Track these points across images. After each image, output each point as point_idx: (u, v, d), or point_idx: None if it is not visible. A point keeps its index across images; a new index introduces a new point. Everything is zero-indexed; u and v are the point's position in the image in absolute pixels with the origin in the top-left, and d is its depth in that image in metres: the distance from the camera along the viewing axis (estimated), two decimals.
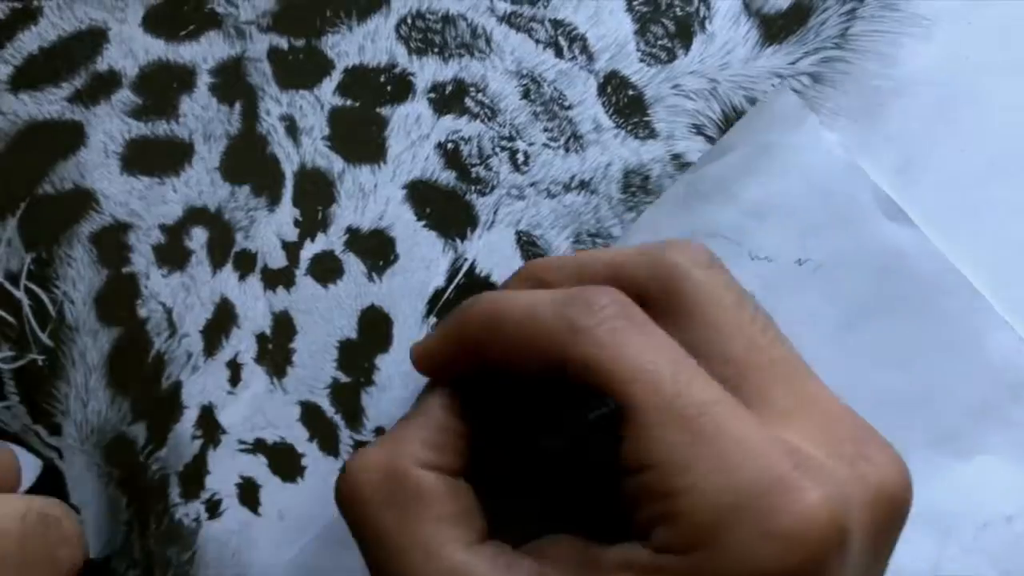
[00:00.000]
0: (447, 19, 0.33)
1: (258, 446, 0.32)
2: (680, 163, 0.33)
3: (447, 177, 0.33)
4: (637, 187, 0.33)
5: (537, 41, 0.33)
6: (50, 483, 0.32)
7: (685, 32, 0.33)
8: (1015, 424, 0.31)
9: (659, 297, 0.24)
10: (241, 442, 0.32)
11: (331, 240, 0.32)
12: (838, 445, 0.22)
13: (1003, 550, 0.31)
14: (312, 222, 0.32)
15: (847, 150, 0.32)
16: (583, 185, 0.33)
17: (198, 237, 0.32)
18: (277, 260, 0.32)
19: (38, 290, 0.32)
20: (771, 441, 0.22)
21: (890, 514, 0.23)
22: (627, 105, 0.33)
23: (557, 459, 0.25)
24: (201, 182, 0.33)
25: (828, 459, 0.22)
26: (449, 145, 0.33)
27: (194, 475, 0.32)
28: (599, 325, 0.23)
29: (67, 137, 0.33)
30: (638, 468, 0.22)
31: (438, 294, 0.32)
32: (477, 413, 0.26)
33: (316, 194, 0.33)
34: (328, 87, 0.33)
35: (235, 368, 0.32)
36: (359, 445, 0.32)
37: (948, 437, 0.30)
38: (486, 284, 0.32)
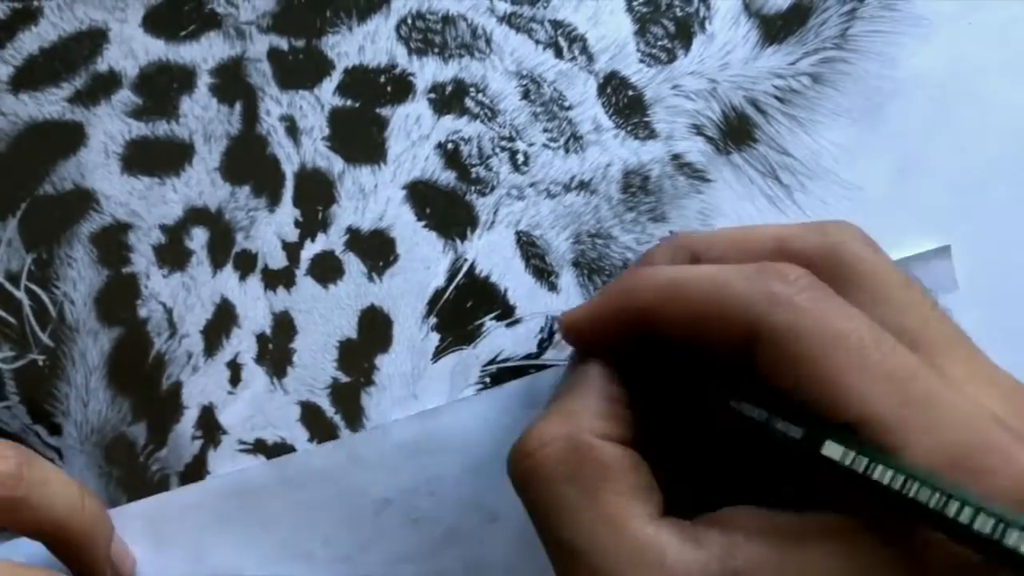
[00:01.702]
0: (447, 19, 0.33)
1: (258, 446, 0.32)
2: (680, 163, 0.33)
3: (447, 177, 0.33)
4: (637, 187, 0.33)
5: (537, 42, 0.33)
6: None
7: (685, 32, 0.33)
8: None
9: (829, 272, 0.24)
10: (241, 442, 0.32)
11: (331, 240, 0.32)
12: (1018, 410, 0.22)
13: None
14: (312, 222, 0.32)
15: None
16: (583, 185, 0.33)
17: (198, 237, 0.32)
18: (277, 260, 0.32)
19: (38, 290, 0.32)
20: (976, 405, 0.22)
21: None
22: (627, 105, 0.33)
23: (737, 431, 0.24)
24: (201, 182, 0.33)
25: (1017, 423, 0.22)
26: (449, 145, 0.33)
27: (194, 475, 0.32)
28: (798, 294, 0.23)
29: (67, 137, 0.33)
30: (844, 428, 0.22)
31: (438, 294, 0.32)
32: (631, 385, 0.25)
33: (316, 194, 0.33)
34: (328, 87, 0.33)
35: (235, 368, 0.32)
36: None
37: None
38: (486, 284, 0.32)
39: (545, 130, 0.33)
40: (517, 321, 0.32)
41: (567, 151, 0.33)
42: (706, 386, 0.25)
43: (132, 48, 0.33)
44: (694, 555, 0.22)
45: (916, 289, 0.25)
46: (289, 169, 0.33)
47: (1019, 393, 0.24)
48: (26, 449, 0.28)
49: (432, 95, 0.33)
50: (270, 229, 0.32)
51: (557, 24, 0.33)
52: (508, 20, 0.33)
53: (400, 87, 0.33)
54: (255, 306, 0.32)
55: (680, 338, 0.24)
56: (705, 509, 0.24)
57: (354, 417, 0.32)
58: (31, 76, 0.33)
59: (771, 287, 0.23)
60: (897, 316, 0.24)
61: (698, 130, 0.33)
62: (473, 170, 0.33)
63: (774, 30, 0.33)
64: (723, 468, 0.25)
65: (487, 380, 0.32)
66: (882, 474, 0.21)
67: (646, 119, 0.33)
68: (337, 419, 0.32)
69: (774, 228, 0.26)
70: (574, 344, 0.27)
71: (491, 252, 0.33)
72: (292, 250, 0.32)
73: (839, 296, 0.23)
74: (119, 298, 0.32)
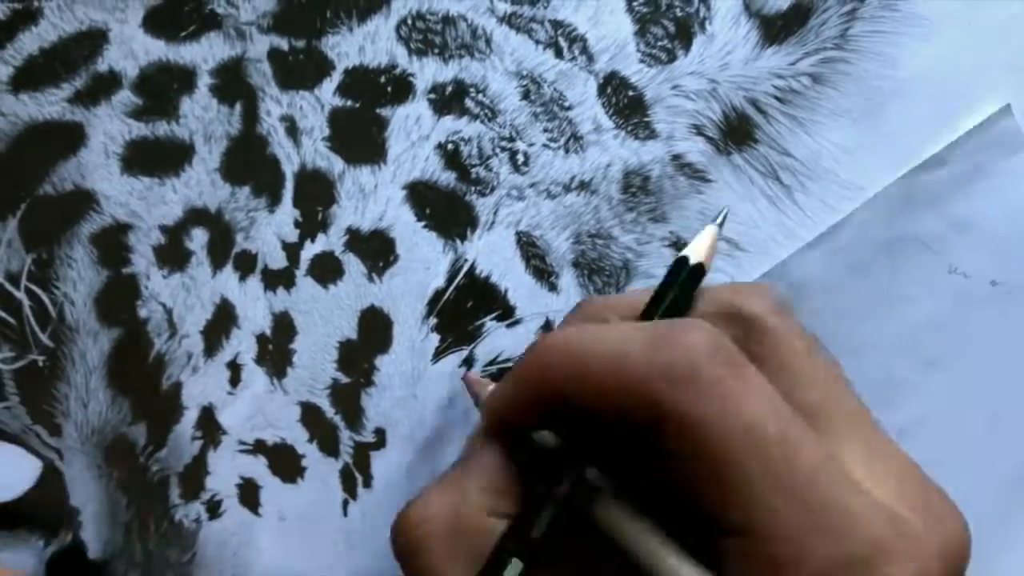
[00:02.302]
0: (447, 20, 0.33)
1: (258, 447, 0.32)
2: (680, 163, 0.33)
3: (447, 178, 0.33)
4: (637, 188, 0.33)
5: (537, 42, 0.33)
6: (50, 484, 0.32)
7: (685, 33, 0.33)
8: None
9: (739, 341, 0.23)
10: (241, 443, 0.32)
11: (331, 241, 0.32)
12: (911, 500, 0.22)
13: None
14: (312, 223, 0.32)
15: None
16: (583, 186, 0.33)
17: (198, 238, 0.32)
18: (277, 261, 0.32)
19: (38, 291, 0.32)
20: (874, 507, 0.21)
21: (956, 570, 0.22)
22: (627, 106, 0.33)
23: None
24: (201, 183, 0.33)
25: (916, 521, 0.22)
26: (449, 146, 0.33)
27: (194, 476, 0.32)
28: (699, 375, 0.21)
29: (67, 138, 0.33)
30: (738, 532, 0.21)
31: (438, 295, 0.32)
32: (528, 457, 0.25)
33: (316, 195, 0.33)
34: (328, 88, 0.33)
35: (235, 369, 0.32)
36: (359, 445, 0.32)
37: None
38: (486, 285, 0.32)
39: (545, 130, 0.33)
40: (517, 322, 0.32)
41: (567, 151, 0.33)
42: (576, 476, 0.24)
43: (132, 48, 0.33)
44: None
45: (820, 359, 0.24)
46: (289, 169, 0.33)
47: (912, 475, 0.23)
48: None
49: (432, 95, 0.33)
50: (270, 229, 0.32)
51: (557, 24, 0.33)
52: (508, 20, 0.33)
53: (400, 87, 0.33)
54: (255, 307, 0.32)
55: (589, 418, 0.23)
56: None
57: (354, 417, 0.32)
58: (31, 76, 0.33)
59: (670, 363, 0.21)
60: (801, 390, 0.23)
61: (698, 130, 0.33)
62: (473, 170, 0.33)
63: (774, 30, 0.33)
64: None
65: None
66: None
67: (646, 119, 0.33)
68: (337, 419, 0.32)
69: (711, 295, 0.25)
70: (492, 427, 0.25)
71: (491, 252, 0.33)
72: (292, 250, 0.32)
73: (747, 365, 0.22)
74: (119, 299, 0.32)
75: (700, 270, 0.26)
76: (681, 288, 0.25)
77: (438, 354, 0.32)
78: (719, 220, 0.27)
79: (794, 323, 0.24)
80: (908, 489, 0.23)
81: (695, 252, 0.26)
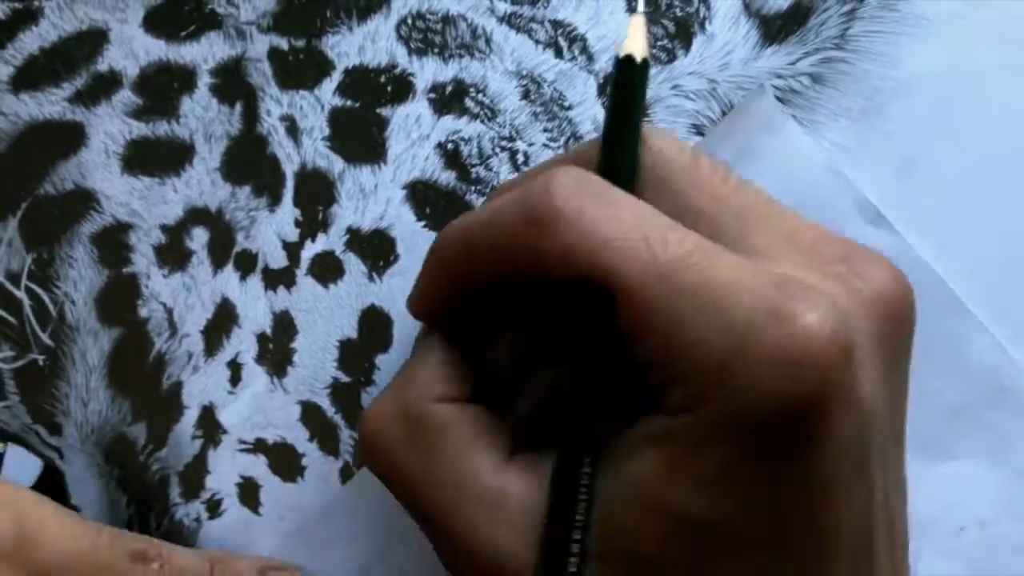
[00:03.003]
0: (447, 19, 0.33)
1: (258, 446, 0.32)
2: None
3: (447, 177, 0.33)
4: None
5: (537, 42, 0.33)
6: (50, 483, 0.32)
7: (685, 33, 0.33)
8: (992, 428, 0.31)
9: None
10: (241, 442, 0.32)
11: (332, 240, 0.32)
12: (827, 267, 0.22)
13: (978, 554, 0.31)
14: (313, 222, 0.32)
15: (828, 155, 0.31)
16: None
17: (199, 237, 0.32)
18: (278, 260, 0.32)
19: (39, 290, 0.32)
20: (757, 274, 0.21)
21: (894, 320, 0.22)
22: None
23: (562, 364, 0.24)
24: (202, 182, 0.33)
25: (820, 282, 0.21)
26: (449, 145, 0.33)
27: (194, 475, 0.32)
28: (559, 210, 0.22)
29: (68, 137, 0.33)
30: (637, 340, 0.21)
31: None
32: (476, 339, 0.25)
33: (317, 194, 0.33)
34: (328, 87, 0.33)
35: (235, 368, 0.32)
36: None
37: (925, 442, 0.30)
38: None
39: (545, 130, 0.33)
40: None
41: (567, 151, 0.33)
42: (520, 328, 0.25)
43: (132, 48, 0.33)
44: (534, 489, 0.23)
45: (703, 166, 0.24)
46: (289, 169, 0.33)
47: (827, 242, 0.23)
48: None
49: (432, 95, 0.33)
50: (270, 229, 0.32)
51: (557, 24, 0.33)
52: (508, 20, 0.33)
53: (400, 87, 0.33)
54: (255, 306, 0.32)
55: (494, 280, 0.24)
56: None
57: (354, 417, 0.32)
58: (31, 76, 0.33)
59: (533, 207, 0.22)
60: (687, 201, 0.23)
61: (698, 130, 0.33)
62: (473, 170, 0.33)
63: (774, 30, 0.33)
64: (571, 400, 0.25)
65: None
66: None
67: (646, 119, 0.33)
68: (337, 419, 0.32)
69: (564, 154, 0.26)
70: (424, 319, 0.27)
71: None
72: (292, 250, 0.32)
73: (611, 190, 0.22)
74: (119, 298, 0.32)
75: (645, 67, 0.25)
76: (633, 99, 0.25)
77: None
78: (638, 6, 0.27)
79: (671, 141, 0.24)
80: (821, 255, 0.22)
81: (635, 48, 0.25)
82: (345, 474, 0.32)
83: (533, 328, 0.24)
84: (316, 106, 0.33)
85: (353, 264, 0.32)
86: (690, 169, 0.24)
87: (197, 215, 0.32)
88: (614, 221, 0.22)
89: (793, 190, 0.31)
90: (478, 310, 0.25)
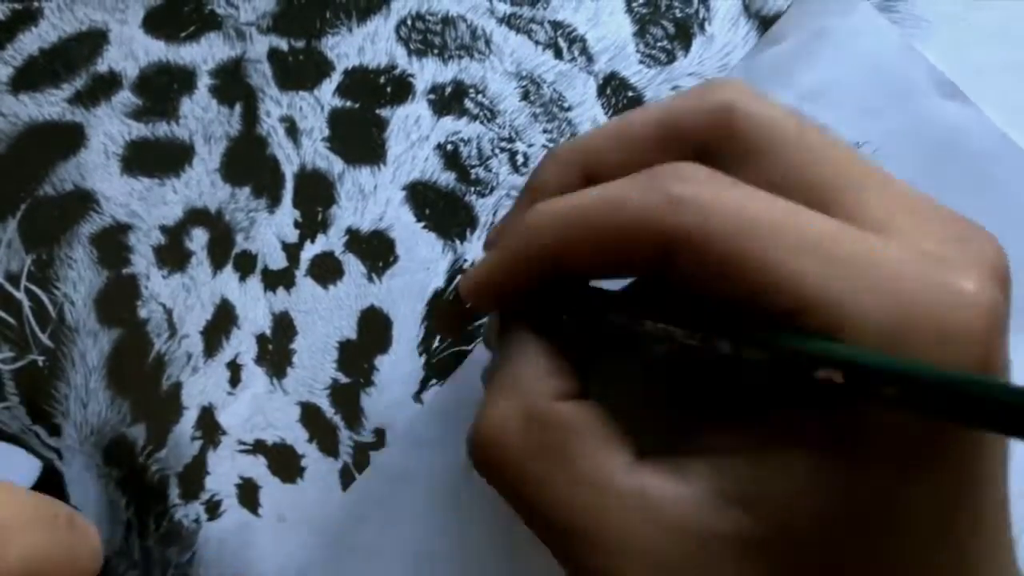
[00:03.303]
0: (447, 20, 0.33)
1: (258, 447, 0.32)
2: None
3: (447, 178, 0.33)
4: None
5: (537, 42, 0.33)
6: (50, 484, 0.32)
7: (684, 34, 0.33)
8: None
9: (722, 142, 0.23)
10: (241, 443, 0.32)
11: (331, 241, 0.32)
12: (946, 235, 0.22)
13: None
14: (312, 223, 0.32)
15: (902, 32, 0.31)
16: None
17: (198, 238, 0.32)
18: (277, 261, 0.32)
19: (38, 291, 0.32)
20: (905, 252, 0.21)
21: (1008, 290, 0.22)
22: (627, 106, 0.33)
23: (665, 364, 0.23)
24: (201, 183, 0.33)
25: (950, 252, 0.21)
26: (449, 146, 0.33)
27: (194, 476, 0.32)
28: (700, 191, 0.21)
29: (67, 138, 0.33)
30: (790, 316, 0.20)
31: (438, 295, 0.32)
32: (563, 334, 0.24)
33: (316, 195, 0.33)
34: (328, 88, 0.33)
35: (235, 369, 0.32)
36: (359, 445, 0.32)
37: (1019, 312, 0.29)
38: None
39: (545, 131, 0.33)
40: None
41: None
42: (633, 316, 0.23)
43: (132, 49, 0.33)
44: (681, 490, 0.21)
45: (812, 133, 0.23)
46: (289, 170, 0.33)
47: (939, 215, 0.22)
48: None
49: (432, 96, 0.33)
50: (270, 230, 0.32)
51: (557, 25, 0.33)
52: (508, 21, 0.33)
53: (400, 88, 0.33)
54: (255, 307, 0.32)
55: (593, 272, 0.23)
56: (681, 439, 0.23)
57: (354, 418, 0.32)
58: (31, 77, 0.33)
59: (670, 190, 0.21)
60: (803, 172, 0.22)
61: None
62: (473, 171, 0.33)
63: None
64: (682, 394, 0.24)
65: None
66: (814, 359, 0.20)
67: None
68: (337, 419, 0.32)
69: (655, 111, 0.24)
70: (485, 309, 0.26)
71: None
72: (292, 251, 0.32)
73: (739, 182, 0.22)
74: (119, 299, 0.32)
75: None
76: None
77: (438, 354, 0.32)
78: None
79: (775, 107, 0.23)
80: (939, 225, 0.22)
81: None
82: (345, 475, 0.32)
83: (639, 334, 0.23)
84: (316, 107, 0.33)
85: (352, 265, 0.32)
86: (800, 136, 0.23)
87: (197, 216, 0.32)
88: (755, 201, 0.21)
89: (867, 68, 0.31)
90: (558, 301, 0.24)
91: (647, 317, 0.23)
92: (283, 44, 0.33)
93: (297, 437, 0.32)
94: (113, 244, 0.32)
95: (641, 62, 0.33)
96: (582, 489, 0.22)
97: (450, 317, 0.32)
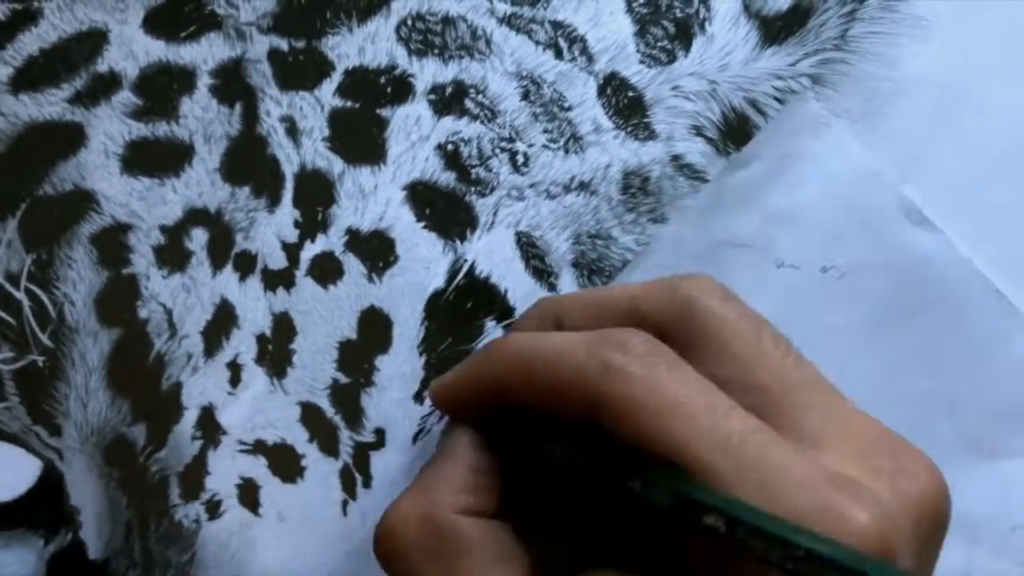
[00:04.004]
0: (447, 20, 0.33)
1: (258, 447, 0.32)
2: (679, 164, 0.33)
3: (447, 178, 0.33)
4: (637, 188, 0.33)
5: (537, 42, 0.33)
6: (50, 484, 0.32)
7: (685, 34, 0.33)
8: None
9: (678, 332, 0.24)
10: (241, 443, 0.32)
11: (331, 241, 0.32)
12: (875, 462, 0.22)
13: None
14: (312, 223, 0.32)
15: (872, 158, 0.32)
16: (583, 186, 0.33)
17: (198, 238, 0.32)
18: (277, 261, 0.32)
19: (38, 291, 0.32)
20: (812, 467, 0.21)
21: (933, 526, 0.23)
22: (627, 106, 0.33)
23: (586, 493, 0.25)
24: (201, 183, 0.33)
25: (868, 479, 0.22)
26: (449, 146, 0.33)
27: (194, 476, 0.32)
28: (633, 363, 0.23)
29: (67, 138, 0.33)
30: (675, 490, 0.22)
31: (437, 295, 0.32)
32: (500, 451, 0.25)
33: (316, 195, 0.33)
34: (328, 88, 0.33)
35: (235, 369, 0.32)
36: (359, 445, 0.32)
37: (976, 440, 0.30)
38: (485, 285, 0.32)
39: (545, 131, 0.33)
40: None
41: (567, 152, 0.33)
42: (545, 452, 0.25)
43: (132, 49, 0.33)
44: None
45: (766, 339, 0.24)
46: (289, 170, 0.33)
47: (873, 435, 0.23)
48: None
49: (432, 96, 0.33)
50: (270, 230, 0.32)
51: (557, 25, 0.33)
52: (508, 21, 0.33)
53: (400, 88, 0.33)
54: (255, 307, 0.32)
55: (530, 407, 0.24)
56: (579, 569, 0.24)
57: (354, 418, 0.32)
58: (31, 77, 0.33)
59: (607, 357, 0.23)
60: (746, 373, 0.23)
61: (698, 131, 0.33)
62: (473, 171, 0.33)
63: (774, 31, 0.33)
64: (590, 527, 0.25)
65: None
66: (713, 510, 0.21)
67: (646, 120, 0.33)
68: (337, 419, 0.32)
69: (630, 289, 0.26)
70: (446, 412, 0.27)
71: (491, 253, 0.33)
72: (292, 251, 0.32)
73: (681, 360, 0.23)
74: (119, 299, 0.32)
75: None
76: None
77: (438, 354, 0.32)
78: None
79: (737, 307, 0.25)
80: (869, 449, 0.23)
81: None
82: (345, 475, 0.32)
83: (568, 463, 0.25)
84: (316, 107, 0.33)
85: (352, 265, 0.32)
86: (754, 341, 0.24)
87: (196, 216, 0.32)
88: (682, 384, 0.22)
89: (837, 193, 0.31)
90: (508, 423, 0.25)
91: (575, 453, 0.24)
92: (283, 44, 0.33)
93: (297, 437, 0.32)
94: (113, 244, 0.32)
95: (641, 62, 0.33)
96: None
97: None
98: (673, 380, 0.22)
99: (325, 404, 0.32)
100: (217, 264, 0.32)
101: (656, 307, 0.25)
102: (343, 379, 0.32)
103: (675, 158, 0.33)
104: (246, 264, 0.32)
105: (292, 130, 0.33)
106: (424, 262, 0.32)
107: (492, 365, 0.25)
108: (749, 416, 0.22)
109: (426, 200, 0.33)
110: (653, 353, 0.23)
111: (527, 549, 0.24)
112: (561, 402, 0.23)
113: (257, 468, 0.32)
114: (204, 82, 0.33)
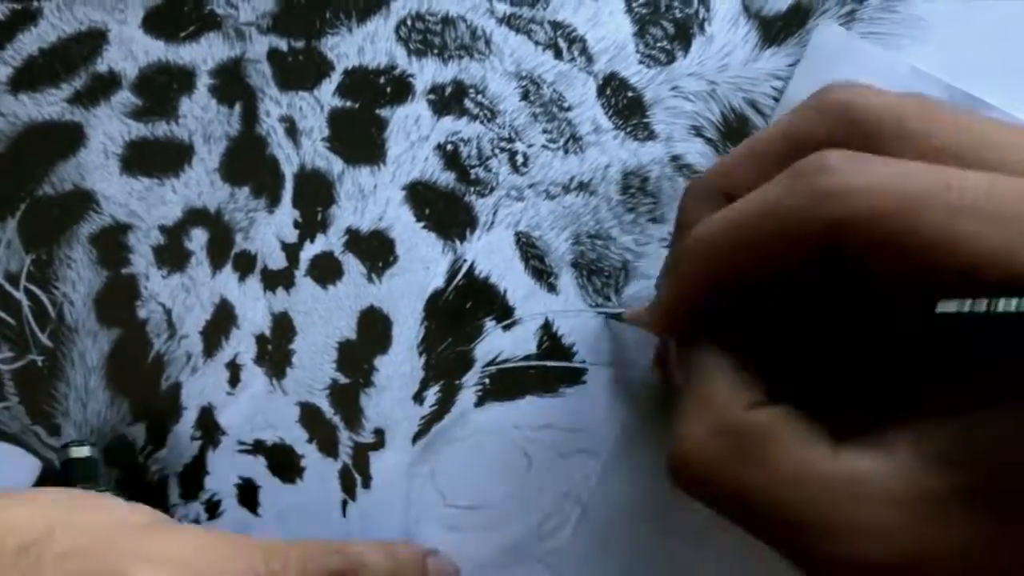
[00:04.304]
0: (447, 21, 0.33)
1: (257, 447, 0.32)
2: (679, 164, 0.33)
3: (446, 178, 0.33)
4: (636, 188, 0.33)
5: (537, 43, 0.33)
6: (49, 484, 0.32)
7: (684, 34, 0.33)
8: None
9: (848, 137, 0.23)
10: (240, 443, 0.32)
11: (331, 241, 0.32)
12: None
13: None
14: (312, 223, 0.32)
15: (908, 59, 0.31)
16: (582, 186, 0.33)
17: (198, 238, 0.32)
18: (277, 261, 0.32)
19: (38, 291, 0.32)
20: None
21: None
22: (626, 107, 0.33)
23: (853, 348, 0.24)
24: (201, 183, 0.33)
25: None
26: (448, 146, 0.33)
27: (193, 476, 0.32)
28: (843, 177, 0.21)
29: (67, 138, 0.33)
30: (966, 276, 0.20)
31: (437, 295, 0.32)
32: (751, 339, 0.25)
33: (316, 195, 0.33)
34: (328, 88, 0.33)
35: (234, 369, 0.32)
36: (358, 446, 0.32)
37: None
38: (485, 285, 0.32)
39: (544, 131, 0.33)
40: (516, 322, 0.32)
41: (566, 152, 0.33)
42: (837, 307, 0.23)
43: (132, 49, 0.33)
44: (885, 463, 0.22)
45: (930, 108, 0.23)
46: (288, 170, 0.33)
47: None
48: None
49: (432, 96, 0.33)
50: (269, 230, 0.32)
51: (557, 25, 0.33)
52: (508, 21, 0.33)
53: (400, 88, 0.33)
54: (254, 307, 0.32)
55: (760, 277, 0.23)
56: (873, 418, 0.23)
57: (353, 418, 0.32)
58: (31, 77, 0.33)
59: (820, 185, 0.21)
60: (936, 141, 0.22)
61: (697, 131, 0.33)
62: (472, 171, 0.33)
63: (773, 32, 0.33)
64: (870, 376, 0.24)
65: (486, 381, 0.32)
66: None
67: (645, 120, 0.33)
68: (336, 420, 0.32)
69: (777, 128, 0.25)
70: (675, 334, 0.27)
71: (490, 253, 0.33)
72: (291, 251, 0.32)
73: (875, 156, 0.22)
74: (118, 299, 0.32)
75: None
76: None
77: (437, 354, 0.32)
78: None
79: (885, 93, 0.24)
80: None
81: None
82: (344, 475, 0.32)
83: (828, 317, 0.24)
84: (315, 107, 0.33)
85: (352, 265, 0.32)
86: (923, 111, 0.23)
87: (196, 216, 0.32)
88: (899, 172, 0.21)
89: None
90: (738, 312, 0.24)
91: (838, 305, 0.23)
92: (283, 44, 0.33)
93: (297, 437, 0.32)
94: (112, 244, 0.32)
95: (641, 62, 0.33)
96: (791, 487, 0.22)
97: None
98: (890, 172, 0.21)
99: (324, 404, 0.32)
100: (216, 264, 0.32)
101: (812, 127, 0.24)
102: (342, 379, 0.32)
103: (674, 158, 0.33)
104: (246, 264, 0.32)
105: (292, 130, 0.33)
106: (424, 262, 0.32)
107: (701, 258, 0.24)
108: (975, 172, 0.21)
109: (426, 200, 0.33)
110: (857, 160, 0.21)
111: (815, 420, 0.23)
112: (796, 255, 0.22)
113: (256, 468, 0.32)
114: (204, 82, 0.33)
